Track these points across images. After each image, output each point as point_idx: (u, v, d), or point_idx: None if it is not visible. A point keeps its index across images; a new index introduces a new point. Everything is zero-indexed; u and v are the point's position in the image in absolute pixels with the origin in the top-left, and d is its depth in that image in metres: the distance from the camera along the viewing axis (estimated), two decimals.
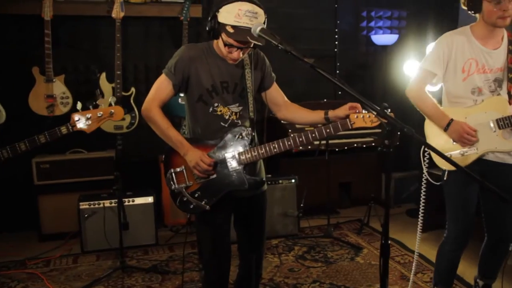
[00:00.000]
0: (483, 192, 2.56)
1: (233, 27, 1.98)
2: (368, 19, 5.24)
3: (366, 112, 2.11)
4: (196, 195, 2.17)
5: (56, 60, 4.02)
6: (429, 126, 2.61)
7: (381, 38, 5.05)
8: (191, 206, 2.17)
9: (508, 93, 2.47)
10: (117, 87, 4.06)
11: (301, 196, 4.20)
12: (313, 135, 2.13)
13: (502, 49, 2.47)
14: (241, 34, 1.97)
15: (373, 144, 4.68)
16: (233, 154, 2.16)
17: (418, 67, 2.60)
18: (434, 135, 2.57)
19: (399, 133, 1.63)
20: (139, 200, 3.98)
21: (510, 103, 2.46)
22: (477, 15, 2.48)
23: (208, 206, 2.14)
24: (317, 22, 5.08)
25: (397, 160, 4.67)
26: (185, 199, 2.18)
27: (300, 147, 4.33)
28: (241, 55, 2.10)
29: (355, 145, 4.67)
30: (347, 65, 5.23)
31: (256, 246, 2.41)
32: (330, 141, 4.53)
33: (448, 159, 1.76)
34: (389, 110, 2.00)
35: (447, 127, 2.46)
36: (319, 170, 4.46)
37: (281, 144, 2.15)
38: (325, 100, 4.98)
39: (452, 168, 2.43)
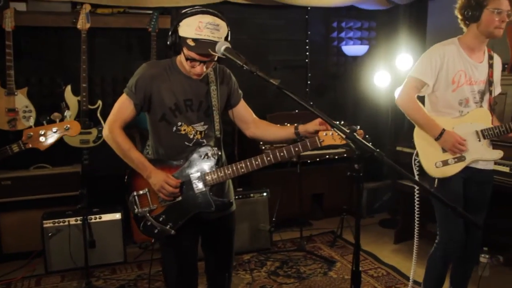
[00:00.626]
0: (473, 194, 2.67)
1: (194, 40, 1.91)
2: (338, 29, 5.25)
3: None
4: (161, 219, 2.08)
5: (19, 73, 3.88)
6: (419, 135, 2.69)
7: (352, 49, 5.07)
8: (156, 231, 2.09)
9: (490, 105, 2.65)
10: (83, 100, 3.95)
11: (274, 210, 4.15)
12: (281, 154, 2.08)
13: (485, 62, 2.63)
14: (202, 47, 1.90)
15: (345, 155, 4.66)
16: (198, 175, 2.08)
17: (408, 75, 2.65)
18: (425, 144, 2.66)
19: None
20: (106, 217, 3.85)
21: (492, 114, 2.65)
22: (464, 28, 2.60)
23: (173, 231, 2.06)
24: (288, 32, 5.06)
25: (369, 170, 4.67)
26: (149, 223, 2.09)
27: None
28: (204, 69, 2.03)
29: (327, 156, 4.65)
30: (319, 75, 5.22)
31: (224, 267, 2.34)
32: (302, 153, 4.49)
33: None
34: (358, 128, 1.98)
35: (439, 136, 2.56)
36: (292, 181, 4.42)
37: (248, 164, 2.08)
38: (296, 111, 4.94)
39: (441, 176, 2.58)
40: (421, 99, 2.74)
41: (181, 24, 1.95)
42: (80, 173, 4.07)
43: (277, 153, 2.08)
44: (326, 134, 2.06)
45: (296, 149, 2.08)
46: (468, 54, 2.58)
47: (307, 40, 5.12)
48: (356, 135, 1.58)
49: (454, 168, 2.59)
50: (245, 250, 4.02)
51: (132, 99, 2.06)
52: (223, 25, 1.98)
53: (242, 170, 2.07)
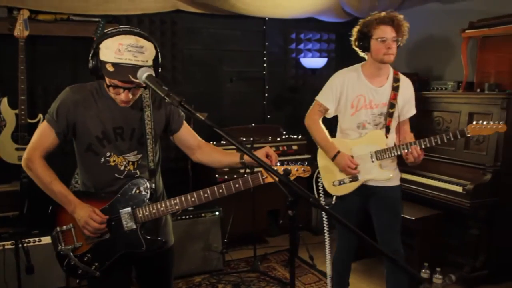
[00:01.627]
0: (374, 210, 2.87)
1: (113, 65, 1.70)
2: (297, 41, 5.15)
3: (280, 165, 1.93)
4: (86, 258, 1.89)
5: None
6: (321, 155, 2.92)
7: (310, 61, 4.98)
8: (79, 271, 1.89)
9: (387, 127, 2.78)
10: (21, 114, 3.67)
11: (226, 229, 3.99)
12: (220, 190, 1.92)
13: (387, 86, 2.77)
14: (122, 73, 1.69)
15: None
16: (129, 211, 1.89)
17: (315, 99, 2.88)
18: (325, 164, 2.87)
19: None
20: (46, 240, 3.58)
21: (387, 136, 2.78)
22: (366, 55, 2.77)
23: (98, 273, 1.87)
24: (245, 43, 4.92)
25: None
26: (72, 262, 1.89)
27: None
28: (130, 96, 1.81)
29: (285, 162, 4.51)
30: (276, 87, 5.10)
31: None
32: (256, 169, 4.35)
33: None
34: (306, 164, 1.86)
35: (334, 157, 2.77)
36: (247, 198, 4.26)
37: (183, 200, 1.91)
38: (253, 124, 4.80)
39: (338, 193, 2.84)
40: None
41: (101, 46, 1.74)
42: (19, 191, 3.78)
43: (216, 190, 1.92)
44: None
45: (237, 185, 1.92)
46: (368, 80, 2.76)
47: (264, 52, 5.00)
48: (290, 178, 1.42)
49: (349, 187, 2.80)
50: (197, 271, 3.84)
51: (54, 127, 1.86)
52: (149, 47, 1.77)
53: (177, 207, 1.90)
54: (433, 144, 2.67)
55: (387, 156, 2.73)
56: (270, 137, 4.76)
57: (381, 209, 2.85)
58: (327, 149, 2.82)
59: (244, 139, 4.64)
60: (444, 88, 4.06)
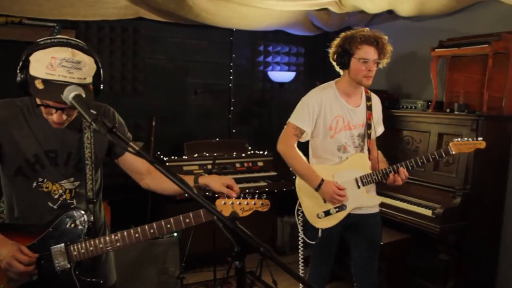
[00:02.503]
0: (353, 239, 2.71)
1: (43, 81, 1.46)
2: (265, 54, 4.98)
3: (239, 198, 1.73)
4: None
5: None
6: (300, 185, 2.65)
7: (278, 75, 4.82)
8: None
9: (368, 149, 2.66)
10: None
11: (186, 251, 3.75)
12: (168, 225, 1.69)
13: (362, 106, 2.63)
14: (53, 91, 1.45)
15: (267, 189, 4.36)
16: (61, 248, 1.64)
17: (288, 121, 2.62)
18: (307, 194, 2.62)
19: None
20: None
21: (370, 159, 2.65)
22: (341, 71, 2.62)
23: None
24: (211, 54, 4.72)
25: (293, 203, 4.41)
26: None
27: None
28: (64, 117, 1.57)
29: (247, 190, 4.30)
30: (243, 101, 4.92)
31: None
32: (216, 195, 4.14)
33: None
34: (264, 196, 1.67)
35: (318, 187, 2.52)
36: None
37: (126, 236, 1.67)
38: (217, 139, 4.60)
39: (325, 226, 2.58)
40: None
41: (30, 58, 1.50)
42: None
43: (163, 225, 1.69)
44: (225, 203, 1.71)
45: (187, 220, 1.70)
46: (345, 99, 2.60)
47: (231, 63, 4.80)
48: (237, 223, 1.22)
49: (336, 218, 2.58)
50: None
51: None
52: (88, 62, 1.54)
53: (118, 244, 1.66)
54: (419, 164, 2.58)
55: (374, 180, 2.58)
56: (235, 153, 4.56)
57: (362, 239, 2.70)
58: (310, 178, 2.56)
59: (207, 154, 4.44)
60: (413, 107, 3.96)
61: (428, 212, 3.39)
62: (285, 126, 2.64)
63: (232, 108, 4.82)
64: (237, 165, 4.51)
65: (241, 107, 4.89)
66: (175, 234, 3.73)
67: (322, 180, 2.52)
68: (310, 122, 2.56)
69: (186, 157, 4.35)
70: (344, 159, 2.60)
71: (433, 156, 2.56)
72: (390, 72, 4.64)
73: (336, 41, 2.59)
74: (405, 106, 4.04)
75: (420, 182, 3.68)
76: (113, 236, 1.67)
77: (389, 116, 4.06)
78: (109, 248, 1.65)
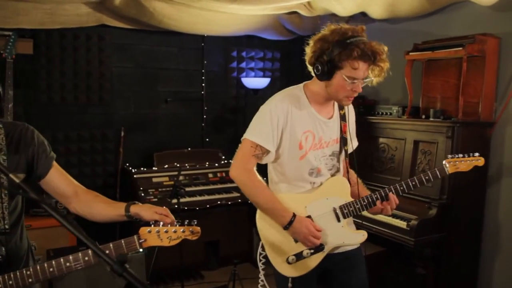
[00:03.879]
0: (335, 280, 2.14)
1: None
2: (238, 59, 4.82)
3: (167, 226, 1.56)
4: None
5: None
6: (263, 220, 2.04)
7: (252, 81, 4.66)
8: None
9: (346, 168, 2.15)
10: None
11: (153, 267, 3.58)
12: (77, 263, 1.51)
13: (336, 116, 2.09)
14: None
15: (239, 200, 4.20)
16: None
17: (243, 137, 2.00)
18: (272, 232, 2.01)
19: None
20: None
21: (350, 184, 2.12)
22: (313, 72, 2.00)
23: None
24: (182, 61, 4.56)
25: None
26: None
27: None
28: None
29: (219, 202, 4.16)
30: (216, 109, 4.75)
31: None
32: (187, 199, 3.99)
33: None
34: (182, 231, 1.50)
35: (288, 225, 1.93)
36: None
37: (39, 271, 1.50)
38: (189, 149, 4.44)
39: (296, 274, 1.99)
40: None
41: None
42: None
43: (62, 263, 1.51)
44: (150, 232, 1.54)
45: (107, 251, 1.52)
46: (316, 109, 2.01)
47: (203, 70, 4.64)
48: (126, 267, 1.05)
49: (311, 262, 1.99)
50: None
51: None
52: None
53: (30, 280, 1.48)
54: (411, 188, 2.10)
55: (357, 211, 2.02)
56: (207, 163, 4.40)
57: (355, 278, 2.13)
58: (277, 213, 1.95)
59: (178, 164, 4.27)
60: (389, 113, 3.80)
61: (403, 224, 3.23)
62: (239, 145, 2.02)
63: (205, 117, 4.66)
64: (210, 175, 4.35)
65: (214, 115, 4.73)
66: (141, 250, 3.56)
67: (294, 215, 1.93)
68: (274, 138, 1.94)
69: (155, 168, 4.19)
70: (318, 184, 2.04)
71: (426, 177, 2.07)
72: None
73: (319, 42, 1.93)
74: (381, 112, 3.88)
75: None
76: (24, 272, 1.49)
77: (365, 123, 3.91)
78: (20, 284, 1.48)
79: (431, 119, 3.43)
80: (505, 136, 3.30)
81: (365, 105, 4.07)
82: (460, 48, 3.19)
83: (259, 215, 2.05)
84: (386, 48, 1.94)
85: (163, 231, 1.53)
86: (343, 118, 2.10)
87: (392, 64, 4.15)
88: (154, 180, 4.12)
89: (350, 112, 2.17)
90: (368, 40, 1.90)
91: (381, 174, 3.78)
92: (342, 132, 2.08)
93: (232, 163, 2.04)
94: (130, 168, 4.12)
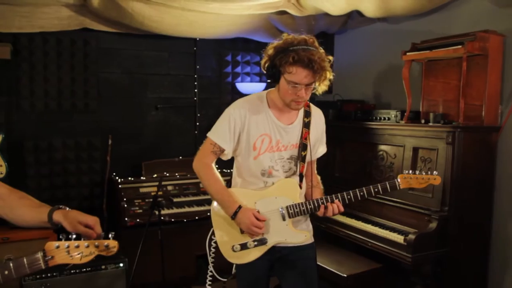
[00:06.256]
0: (283, 278, 2.30)
1: None
2: (233, 64, 4.62)
3: (79, 240, 1.36)
4: None
5: None
6: (215, 210, 2.26)
7: (246, 86, 4.45)
8: None
9: (300, 174, 2.24)
10: None
11: (134, 282, 3.37)
12: None
13: (297, 123, 2.23)
14: None
15: None
16: None
17: (207, 135, 2.24)
18: (221, 221, 2.23)
19: None
20: None
21: (301, 186, 2.24)
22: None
23: None
24: (173, 66, 4.38)
25: None
26: None
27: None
28: None
29: (208, 214, 3.90)
30: (210, 115, 4.54)
31: None
32: (174, 211, 3.80)
33: None
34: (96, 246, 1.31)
35: (234, 215, 2.13)
36: (173, 241, 3.71)
37: None
38: (180, 157, 4.24)
39: (239, 262, 2.20)
40: None
41: None
42: None
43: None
44: (58, 247, 1.34)
45: (6, 272, 1.33)
46: (276, 115, 2.19)
47: (195, 76, 4.45)
48: None
49: (254, 253, 2.16)
50: None
51: None
52: None
53: None
54: (359, 198, 2.18)
55: (302, 212, 2.17)
56: None
57: (292, 273, 2.25)
58: (225, 203, 2.17)
59: (167, 174, 4.08)
60: (387, 118, 3.54)
61: (400, 239, 2.96)
62: (204, 140, 2.26)
63: (198, 124, 4.47)
64: (201, 185, 4.13)
65: (208, 122, 4.51)
66: (121, 264, 3.36)
67: (240, 206, 2.12)
68: (230, 139, 2.16)
69: (143, 178, 4.00)
70: (270, 184, 2.20)
71: (375, 189, 2.17)
72: (366, 80, 4.24)
73: (271, 49, 2.10)
74: (379, 117, 3.63)
75: (394, 203, 3.26)
76: None
77: (362, 129, 3.66)
78: None
79: (430, 124, 3.16)
80: None
81: (363, 110, 3.83)
82: (460, 47, 2.93)
83: (213, 205, 2.27)
84: (329, 57, 2.07)
85: (73, 246, 1.34)
86: (306, 125, 2.23)
87: (392, 66, 3.93)
88: (142, 190, 3.94)
89: (317, 120, 2.31)
90: (316, 50, 2.01)
91: (380, 183, 3.53)
92: (303, 138, 2.21)
93: (195, 157, 2.27)
94: (117, 178, 3.94)
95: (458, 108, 3.11)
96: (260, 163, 2.18)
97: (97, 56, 4.02)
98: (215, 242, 2.27)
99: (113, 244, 1.37)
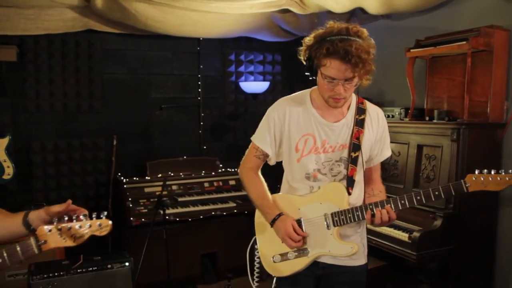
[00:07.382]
0: None
1: None
2: (237, 63, 4.62)
3: (72, 222, 1.36)
4: None
5: None
6: (259, 217, 2.07)
7: (250, 86, 4.45)
8: None
9: (349, 178, 1.95)
10: None
11: (140, 282, 3.39)
12: None
13: (346, 121, 1.97)
14: None
15: (235, 210, 3.98)
16: None
17: (251, 139, 2.07)
18: (264, 229, 2.03)
19: None
20: None
21: (350, 192, 1.94)
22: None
23: None
24: (177, 66, 4.40)
25: None
26: None
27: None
28: None
29: (213, 213, 3.94)
30: (214, 115, 4.56)
31: None
32: (179, 210, 3.81)
33: None
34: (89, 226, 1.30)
35: (272, 222, 1.95)
36: (178, 240, 3.74)
37: None
38: (184, 157, 4.25)
39: (279, 274, 1.99)
40: None
41: None
42: None
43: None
44: (50, 231, 1.34)
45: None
46: (319, 112, 1.95)
47: (199, 75, 4.46)
48: None
49: (295, 266, 1.94)
50: None
51: None
52: None
53: None
54: (415, 203, 1.87)
55: (348, 220, 1.89)
56: (203, 171, 4.21)
57: None
58: (264, 209, 1.99)
59: (172, 173, 4.09)
60: (391, 115, 3.53)
61: (404, 236, 2.94)
62: (249, 147, 2.10)
63: (202, 123, 4.48)
64: (206, 184, 4.16)
65: (212, 121, 4.54)
66: (127, 263, 3.38)
67: (279, 214, 1.93)
68: (271, 142, 1.98)
69: (148, 178, 4.02)
70: (316, 189, 1.97)
71: (436, 193, 1.82)
72: (372, 77, 4.21)
73: (314, 38, 1.84)
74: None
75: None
76: None
77: None
78: None
79: (435, 121, 3.14)
80: None
81: None
82: (464, 42, 2.90)
83: (257, 211, 2.09)
84: (371, 50, 1.80)
85: (66, 228, 1.34)
86: (358, 123, 1.96)
87: (396, 63, 3.90)
88: (147, 190, 3.95)
89: (375, 119, 2.02)
90: (357, 41, 1.76)
91: (384, 182, 3.50)
92: (354, 138, 1.94)
93: (240, 163, 2.13)
94: (122, 178, 3.96)
95: (463, 104, 3.07)
96: (304, 165, 1.96)
97: (101, 57, 4.04)
98: (257, 251, 2.06)
99: (105, 223, 1.37)
